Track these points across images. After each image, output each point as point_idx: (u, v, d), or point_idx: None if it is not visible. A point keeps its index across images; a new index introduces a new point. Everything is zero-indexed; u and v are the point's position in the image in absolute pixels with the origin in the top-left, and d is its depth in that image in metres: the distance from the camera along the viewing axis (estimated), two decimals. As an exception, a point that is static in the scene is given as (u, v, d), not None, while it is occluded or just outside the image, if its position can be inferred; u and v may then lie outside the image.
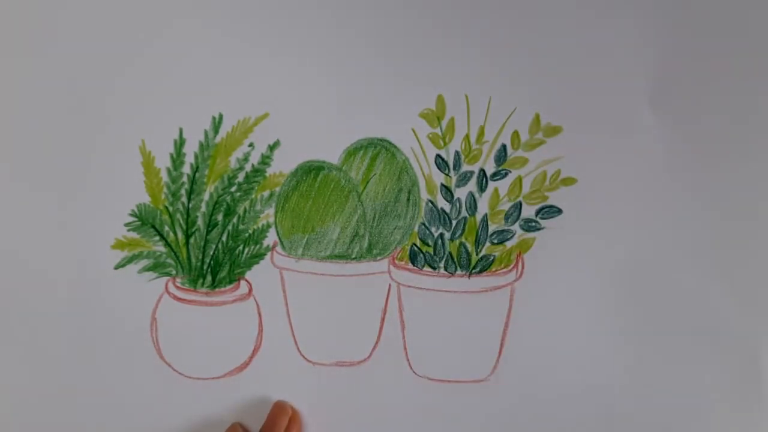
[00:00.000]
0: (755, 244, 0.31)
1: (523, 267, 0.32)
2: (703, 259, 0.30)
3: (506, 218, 0.32)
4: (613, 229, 0.31)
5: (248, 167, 0.33)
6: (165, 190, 0.33)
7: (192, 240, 0.33)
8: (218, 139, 0.33)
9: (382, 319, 0.32)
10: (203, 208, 0.33)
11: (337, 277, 0.32)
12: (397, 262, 0.32)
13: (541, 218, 0.32)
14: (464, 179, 0.32)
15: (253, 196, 0.33)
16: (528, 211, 0.32)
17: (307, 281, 0.32)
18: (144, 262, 0.33)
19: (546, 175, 0.31)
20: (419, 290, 0.32)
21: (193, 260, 0.33)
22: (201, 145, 0.33)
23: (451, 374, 0.32)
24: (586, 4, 0.32)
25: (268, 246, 0.33)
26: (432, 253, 0.32)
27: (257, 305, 0.33)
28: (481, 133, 0.32)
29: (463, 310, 0.32)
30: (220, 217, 0.33)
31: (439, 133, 0.32)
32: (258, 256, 0.33)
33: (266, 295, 0.33)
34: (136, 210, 0.33)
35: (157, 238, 0.33)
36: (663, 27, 0.31)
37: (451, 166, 0.32)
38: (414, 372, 0.32)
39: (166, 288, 0.33)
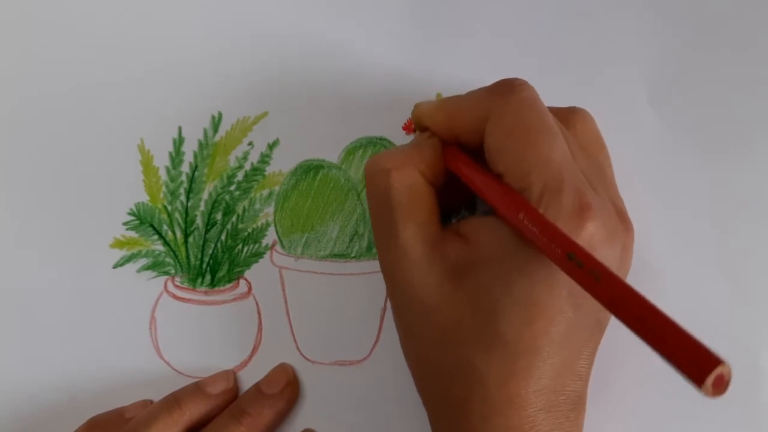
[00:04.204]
0: (756, 244, 0.31)
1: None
2: (703, 259, 0.30)
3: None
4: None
5: (247, 166, 0.33)
6: (164, 189, 0.33)
7: (191, 239, 0.33)
8: (217, 137, 0.33)
9: (382, 318, 0.32)
10: (202, 207, 0.33)
11: (337, 275, 0.32)
12: (396, 261, 0.32)
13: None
14: (464, 178, 0.32)
15: (253, 195, 0.33)
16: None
17: (307, 280, 0.32)
18: (143, 261, 0.33)
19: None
20: (419, 289, 0.32)
21: (192, 259, 0.33)
22: (200, 143, 0.33)
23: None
24: (586, 4, 0.32)
25: (267, 245, 0.33)
26: (432, 252, 0.32)
27: (256, 304, 0.33)
28: (481, 132, 0.32)
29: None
30: (219, 216, 0.33)
31: (439, 132, 0.32)
32: (257, 255, 0.33)
33: (265, 294, 0.33)
34: (134, 209, 0.33)
35: (156, 237, 0.33)
36: (663, 26, 0.31)
37: (451, 165, 0.32)
38: (414, 371, 0.32)
39: (165, 287, 0.33)
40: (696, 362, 0.17)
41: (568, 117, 0.28)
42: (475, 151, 0.27)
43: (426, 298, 0.25)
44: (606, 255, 0.24)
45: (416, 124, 0.29)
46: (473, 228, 0.26)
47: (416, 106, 0.29)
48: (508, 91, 0.26)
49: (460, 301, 0.25)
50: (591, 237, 0.24)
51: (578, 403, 0.26)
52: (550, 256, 0.22)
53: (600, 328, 0.26)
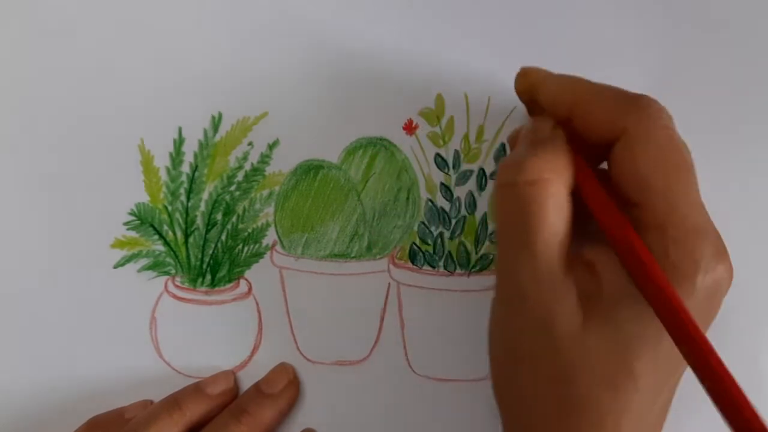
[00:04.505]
0: (756, 244, 0.31)
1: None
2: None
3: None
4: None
5: (247, 166, 0.33)
6: (164, 189, 0.33)
7: (191, 239, 0.33)
8: (217, 138, 0.33)
9: (382, 318, 0.32)
10: (202, 207, 0.33)
11: (337, 276, 0.32)
12: (396, 261, 0.32)
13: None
14: (464, 178, 0.32)
15: (253, 195, 0.33)
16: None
17: (307, 280, 0.32)
18: (143, 261, 0.33)
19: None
20: (419, 289, 0.32)
21: (193, 259, 0.33)
22: (200, 144, 0.33)
23: (451, 373, 0.32)
24: (586, 4, 0.32)
25: (267, 245, 0.33)
26: (431, 251, 0.32)
27: (257, 304, 0.33)
28: (481, 132, 0.32)
29: (462, 308, 0.32)
30: (219, 216, 0.33)
31: (439, 132, 0.32)
32: (257, 255, 0.33)
33: (266, 294, 0.33)
34: (135, 209, 0.33)
35: (156, 237, 0.33)
36: (663, 26, 0.31)
37: (451, 165, 0.32)
38: (414, 371, 0.32)
39: (166, 287, 0.33)
40: None
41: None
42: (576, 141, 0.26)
43: (560, 325, 0.24)
44: (723, 298, 0.25)
45: (522, 91, 0.28)
46: (601, 258, 0.25)
47: (531, 71, 0.27)
48: (652, 113, 0.24)
49: (590, 334, 0.24)
50: (723, 281, 0.24)
51: None
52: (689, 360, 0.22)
53: None
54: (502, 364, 0.27)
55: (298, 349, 0.32)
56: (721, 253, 0.24)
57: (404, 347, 0.32)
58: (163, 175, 0.33)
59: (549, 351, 0.24)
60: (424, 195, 0.32)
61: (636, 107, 0.24)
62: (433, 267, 0.32)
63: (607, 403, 0.23)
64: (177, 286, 0.33)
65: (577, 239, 0.26)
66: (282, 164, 0.33)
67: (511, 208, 0.25)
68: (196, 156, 0.33)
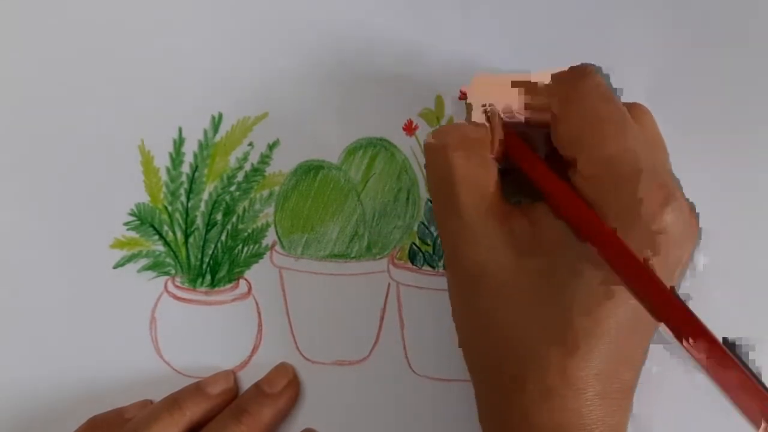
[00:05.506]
0: (755, 244, 0.31)
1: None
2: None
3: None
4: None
5: (247, 166, 0.33)
6: (164, 189, 0.33)
7: (191, 239, 0.33)
8: (218, 138, 0.33)
9: (382, 318, 0.32)
10: (202, 208, 0.33)
11: (337, 276, 0.32)
12: (396, 261, 0.32)
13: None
14: (463, 178, 0.32)
15: (253, 195, 0.33)
16: (527, 211, 0.32)
17: (307, 280, 0.32)
18: (143, 262, 0.33)
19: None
20: (419, 289, 0.32)
21: (192, 259, 0.33)
22: (200, 144, 0.33)
23: (451, 373, 0.32)
24: (588, 5, 0.32)
25: (267, 245, 0.33)
26: (431, 252, 0.32)
27: (256, 304, 0.33)
28: (481, 132, 0.32)
29: (462, 309, 0.32)
30: (219, 216, 0.33)
31: (439, 133, 0.32)
32: (257, 256, 0.33)
33: (265, 294, 0.33)
34: (135, 209, 0.33)
35: (156, 237, 0.33)
36: (663, 27, 0.31)
37: (451, 166, 0.32)
38: (413, 371, 0.32)
39: (166, 287, 0.33)
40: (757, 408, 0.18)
41: (631, 112, 0.27)
42: (535, 129, 0.27)
43: (490, 273, 0.25)
44: (678, 250, 0.24)
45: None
46: (541, 212, 0.26)
47: (477, 76, 0.29)
48: (580, 77, 0.26)
49: (524, 279, 0.25)
50: (671, 225, 0.24)
51: (628, 393, 0.26)
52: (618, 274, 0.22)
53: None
54: (456, 315, 0.28)
55: (297, 349, 0.33)
56: (666, 195, 0.24)
57: (404, 347, 0.32)
58: (164, 176, 0.33)
59: (486, 298, 0.25)
60: (423, 195, 0.32)
61: (566, 77, 0.26)
62: (433, 267, 0.32)
63: (546, 345, 0.24)
64: (177, 287, 0.33)
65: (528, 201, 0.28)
66: (282, 164, 0.33)
67: (432, 172, 0.27)
68: (196, 156, 0.33)
